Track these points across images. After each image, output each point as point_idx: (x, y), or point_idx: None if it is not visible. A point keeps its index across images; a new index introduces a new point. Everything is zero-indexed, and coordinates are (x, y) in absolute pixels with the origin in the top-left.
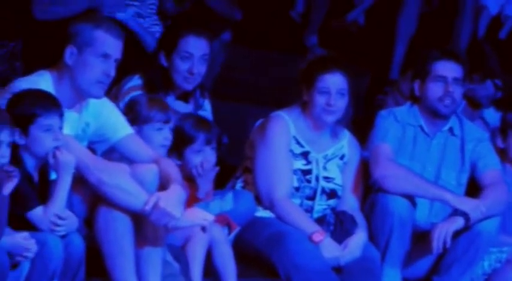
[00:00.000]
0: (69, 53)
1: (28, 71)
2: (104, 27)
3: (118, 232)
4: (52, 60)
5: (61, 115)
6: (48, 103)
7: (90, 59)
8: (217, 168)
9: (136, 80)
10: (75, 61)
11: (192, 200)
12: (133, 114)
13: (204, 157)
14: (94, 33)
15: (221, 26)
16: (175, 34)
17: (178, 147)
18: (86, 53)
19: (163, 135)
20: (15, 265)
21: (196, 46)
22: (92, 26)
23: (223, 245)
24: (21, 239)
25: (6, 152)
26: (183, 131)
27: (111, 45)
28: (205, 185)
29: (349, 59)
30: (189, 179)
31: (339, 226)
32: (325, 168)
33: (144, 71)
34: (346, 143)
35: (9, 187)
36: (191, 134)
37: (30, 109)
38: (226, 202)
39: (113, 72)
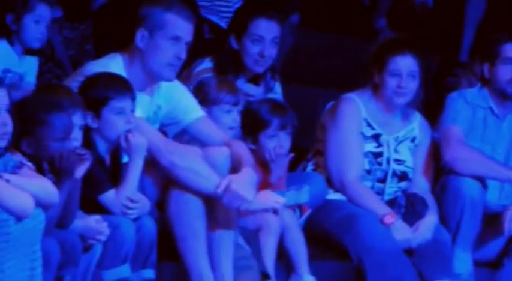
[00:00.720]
0: (140, 36)
1: (98, 54)
2: (175, 10)
3: (190, 214)
4: (122, 43)
5: (133, 98)
6: (120, 86)
7: (161, 42)
8: (291, 155)
9: (207, 63)
10: (147, 44)
11: (264, 185)
12: (202, 96)
13: (278, 142)
14: (165, 16)
15: (290, 8)
16: (245, 17)
17: (253, 131)
18: (157, 36)
19: (232, 118)
20: (87, 248)
21: (267, 29)
22: (162, 9)
23: (294, 230)
24: (94, 222)
25: (78, 135)
26: (258, 116)
27: (182, 28)
28: (278, 170)
29: (418, 41)
30: (262, 164)
31: (410, 208)
32: (396, 150)
33: (215, 54)
34: (417, 125)
35: (81, 170)
36: (266, 118)
37: (103, 92)
38: (303, 195)
39: (184, 55)
